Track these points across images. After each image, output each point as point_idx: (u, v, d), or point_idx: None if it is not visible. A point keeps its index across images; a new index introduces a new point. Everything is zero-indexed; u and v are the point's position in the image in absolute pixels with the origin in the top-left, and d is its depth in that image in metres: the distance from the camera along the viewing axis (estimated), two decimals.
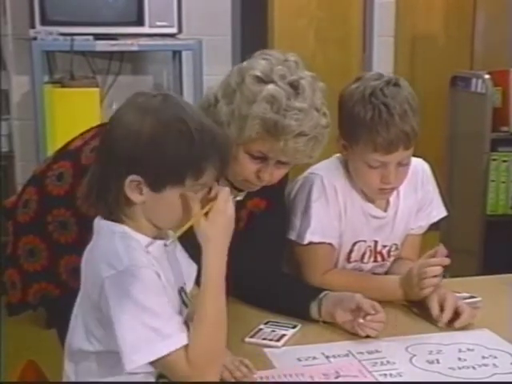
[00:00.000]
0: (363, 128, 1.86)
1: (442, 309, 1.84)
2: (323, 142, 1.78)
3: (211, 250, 1.43)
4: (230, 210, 1.45)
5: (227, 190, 1.46)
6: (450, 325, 1.82)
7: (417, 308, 1.92)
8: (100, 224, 1.45)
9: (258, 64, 1.75)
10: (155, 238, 1.46)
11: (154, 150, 1.37)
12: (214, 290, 1.42)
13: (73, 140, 1.95)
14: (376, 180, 1.92)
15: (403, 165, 1.92)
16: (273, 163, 1.78)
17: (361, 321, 1.74)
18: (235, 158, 1.74)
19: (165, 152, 1.38)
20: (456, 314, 1.83)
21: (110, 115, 1.46)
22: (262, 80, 1.73)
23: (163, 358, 1.35)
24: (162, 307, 1.37)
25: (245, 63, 1.78)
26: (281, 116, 1.70)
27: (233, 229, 1.47)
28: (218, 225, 1.44)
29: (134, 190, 1.39)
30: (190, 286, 1.58)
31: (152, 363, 1.37)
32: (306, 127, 1.72)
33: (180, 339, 1.36)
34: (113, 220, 1.43)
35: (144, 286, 1.35)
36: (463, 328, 1.82)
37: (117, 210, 1.42)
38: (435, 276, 1.87)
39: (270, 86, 1.71)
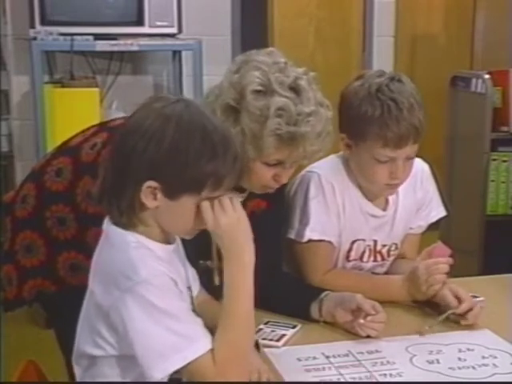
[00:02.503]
0: (372, 125, 1.86)
1: (458, 300, 1.85)
2: (332, 132, 1.79)
3: (226, 258, 1.43)
4: (230, 211, 1.42)
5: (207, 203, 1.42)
6: (463, 317, 1.83)
7: (417, 308, 1.92)
8: (111, 231, 1.43)
9: (252, 76, 1.71)
10: (163, 242, 1.45)
11: (177, 159, 1.36)
12: (237, 292, 1.42)
13: (73, 137, 1.95)
14: (384, 175, 1.91)
15: (409, 159, 1.92)
16: (289, 165, 1.78)
17: (361, 321, 1.74)
18: (252, 170, 1.74)
19: (187, 162, 1.36)
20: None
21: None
22: (264, 93, 1.70)
23: (191, 363, 1.34)
24: (184, 312, 1.37)
25: (235, 77, 1.73)
26: (295, 126, 1.69)
27: (245, 226, 1.45)
28: (222, 232, 1.42)
29: (149, 195, 1.38)
30: (195, 290, 1.59)
31: (179, 370, 1.35)
32: (319, 127, 1.72)
33: (206, 343, 1.36)
34: (123, 224, 1.41)
35: (163, 294, 1.35)
36: (463, 328, 1.82)
37: (130, 214, 1.41)
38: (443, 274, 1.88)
39: (275, 99, 1.68)
